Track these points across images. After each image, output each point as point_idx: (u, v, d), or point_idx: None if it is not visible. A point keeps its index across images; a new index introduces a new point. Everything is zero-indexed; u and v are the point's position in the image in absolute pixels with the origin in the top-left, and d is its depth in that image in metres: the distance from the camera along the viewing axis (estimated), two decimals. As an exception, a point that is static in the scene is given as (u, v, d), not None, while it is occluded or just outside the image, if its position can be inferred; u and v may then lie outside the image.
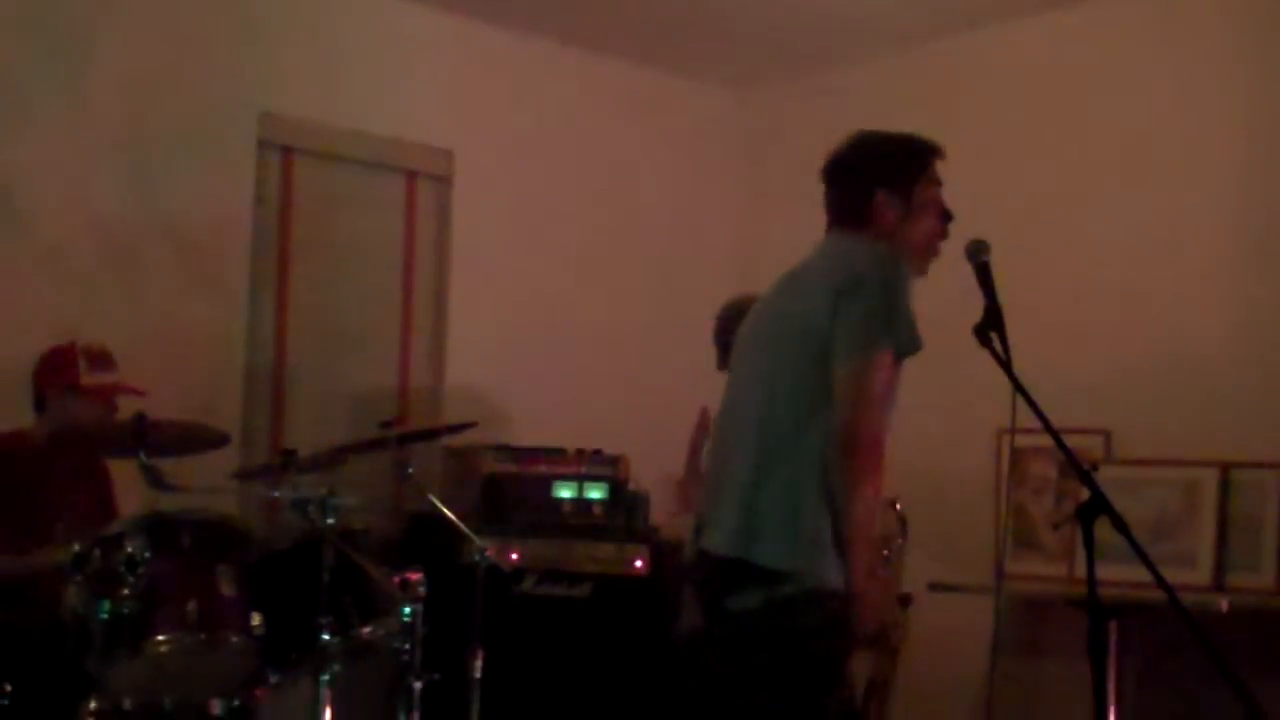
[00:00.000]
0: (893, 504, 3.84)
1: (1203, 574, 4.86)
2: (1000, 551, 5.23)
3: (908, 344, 3.23)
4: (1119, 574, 3.37)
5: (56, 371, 4.42)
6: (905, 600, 3.75)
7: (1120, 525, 2.88)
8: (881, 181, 3.40)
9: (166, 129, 5.29)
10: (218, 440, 4.30)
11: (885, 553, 3.73)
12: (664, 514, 5.53)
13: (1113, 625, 4.57)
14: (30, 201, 4.99)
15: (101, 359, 4.43)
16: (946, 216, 3.45)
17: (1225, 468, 4.96)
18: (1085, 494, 2.95)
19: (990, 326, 3.10)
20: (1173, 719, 4.94)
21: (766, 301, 3.52)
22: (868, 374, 3.18)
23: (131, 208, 5.20)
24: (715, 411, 4.61)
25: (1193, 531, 4.93)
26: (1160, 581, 2.88)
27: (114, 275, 5.13)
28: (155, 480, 3.88)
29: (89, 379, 4.37)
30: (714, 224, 6.86)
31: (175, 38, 5.33)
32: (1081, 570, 2.91)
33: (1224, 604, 4.54)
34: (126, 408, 4.24)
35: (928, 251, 3.44)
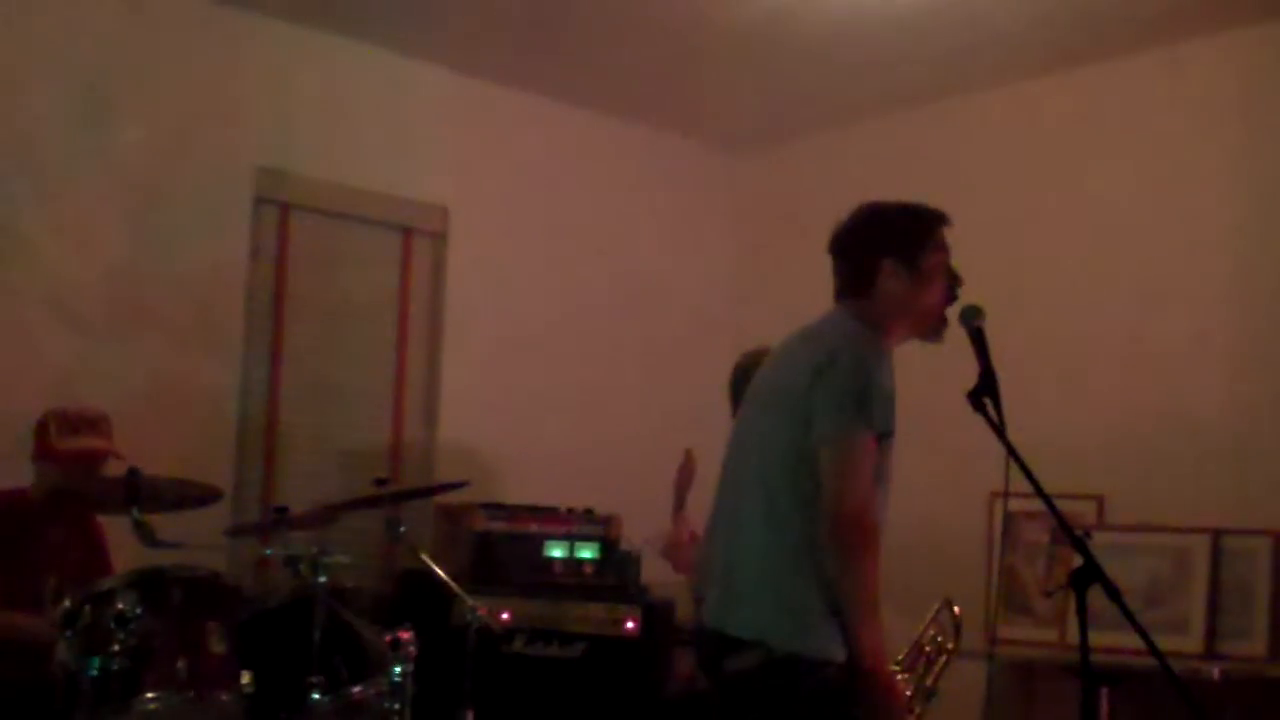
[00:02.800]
0: (949, 605, 3.80)
1: (1195, 641, 4.85)
2: (992, 616, 5.22)
3: (882, 425, 3.22)
4: (1111, 640, 3.37)
5: (35, 438, 4.41)
6: (929, 693, 3.69)
7: (1113, 593, 2.88)
8: (888, 251, 3.41)
9: (167, 185, 5.32)
10: (210, 496, 4.28)
11: (927, 649, 3.69)
12: (660, 572, 5.48)
13: (1104, 692, 4.57)
14: (37, 253, 5.02)
15: (74, 422, 4.39)
16: (955, 283, 3.46)
17: (1217, 534, 4.95)
18: (1078, 560, 2.95)
19: (984, 391, 3.11)
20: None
21: (766, 368, 3.53)
22: (848, 456, 3.17)
23: (130, 262, 5.22)
24: (706, 451, 4.60)
25: (1185, 598, 4.92)
26: (1152, 649, 2.88)
27: (111, 329, 5.13)
28: (147, 536, 3.86)
29: (60, 444, 4.35)
30: (707, 282, 6.89)
31: (178, 95, 5.37)
32: (1074, 636, 2.90)
33: (1216, 671, 4.53)
34: (118, 463, 4.22)
35: (939, 319, 3.44)
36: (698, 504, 4.89)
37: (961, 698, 4.32)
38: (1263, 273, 5.15)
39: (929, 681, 3.60)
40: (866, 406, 3.19)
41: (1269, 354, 5.09)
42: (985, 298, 3.34)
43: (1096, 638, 2.93)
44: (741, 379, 4.57)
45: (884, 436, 3.23)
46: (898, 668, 3.56)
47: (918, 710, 3.46)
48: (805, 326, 3.48)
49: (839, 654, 3.15)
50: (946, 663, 3.69)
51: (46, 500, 4.35)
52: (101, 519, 4.53)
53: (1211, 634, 4.86)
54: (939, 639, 3.70)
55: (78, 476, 4.32)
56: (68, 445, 4.34)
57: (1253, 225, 5.20)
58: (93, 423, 4.42)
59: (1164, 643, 2.98)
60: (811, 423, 3.21)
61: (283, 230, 5.67)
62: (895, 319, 3.40)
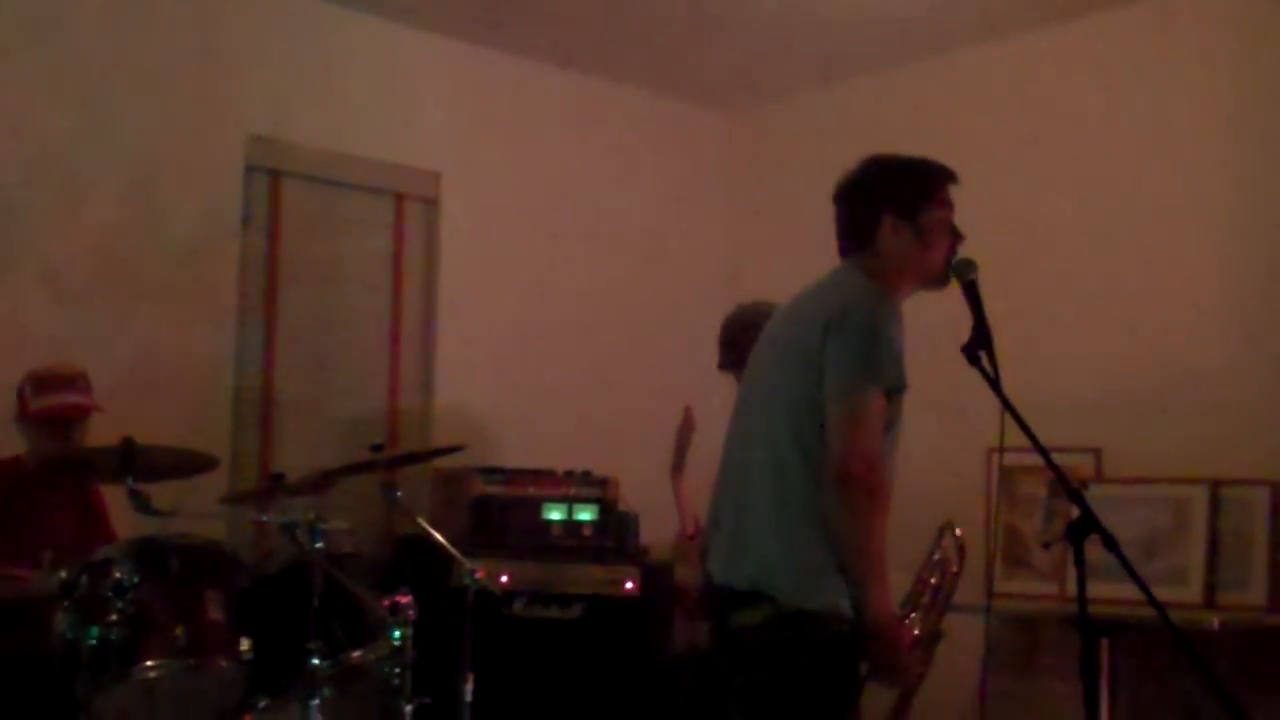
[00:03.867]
0: (950, 528, 3.80)
1: (1193, 592, 4.85)
2: (991, 570, 5.22)
3: (893, 381, 3.23)
4: (1110, 592, 3.37)
5: (17, 405, 4.39)
6: (935, 637, 3.68)
7: (1111, 543, 2.88)
8: (889, 204, 3.40)
9: (158, 154, 5.30)
10: (206, 464, 4.27)
11: (933, 580, 3.69)
12: (662, 530, 5.48)
13: (1104, 643, 4.58)
14: (28, 223, 4.99)
15: (48, 381, 4.36)
16: (956, 238, 3.44)
17: (1215, 485, 4.95)
18: (1075, 512, 2.95)
19: (979, 345, 3.10)
20: (1165, 737, 4.93)
21: (776, 323, 3.53)
22: (857, 412, 3.17)
23: (123, 232, 5.20)
24: (700, 411, 4.60)
25: (1183, 549, 4.93)
26: (1151, 600, 2.89)
27: (103, 298, 5.12)
28: (143, 505, 3.86)
29: (35, 404, 4.34)
30: (702, 244, 6.86)
31: (168, 63, 5.34)
32: (1072, 588, 2.90)
33: (1215, 621, 4.54)
34: (112, 431, 4.20)
35: (939, 273, 3.43)
36: (695, 463, 4.91)
37: (961, 651, 4.33)
38: (1260, 222, 5.13)
39: (936, 617, 3.59)
40: (877, 362, 3.20)
41: (1265, 305, 5.08)
42: (981, 252, 3.33)
43: (1096, 589, 2.93)
44: (737, 330, 4.57)
45: (894, 392, 3.23)
46: (910, 613, 3.57)
47: (924, 655, 3.47)
48: (815, 281, 3.47)
49: (845, 609, 3.16)
50: (954, 585, 3.69)
51: (42, 468, 4.34)
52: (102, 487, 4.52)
53: (1210, 584, 4.86)
54: (942, 567, 3.70)
55: (58, 435, 4.31)
56: (43, 404, 4.32)
57: (1251, 176, 5.17)
58: (68, 379, 4.39)
59: (1163, 593, 2.99)
60: (823, 378, 3.21)
61: (274, 197, 5.65)
62: (899, 274, 3.40)
